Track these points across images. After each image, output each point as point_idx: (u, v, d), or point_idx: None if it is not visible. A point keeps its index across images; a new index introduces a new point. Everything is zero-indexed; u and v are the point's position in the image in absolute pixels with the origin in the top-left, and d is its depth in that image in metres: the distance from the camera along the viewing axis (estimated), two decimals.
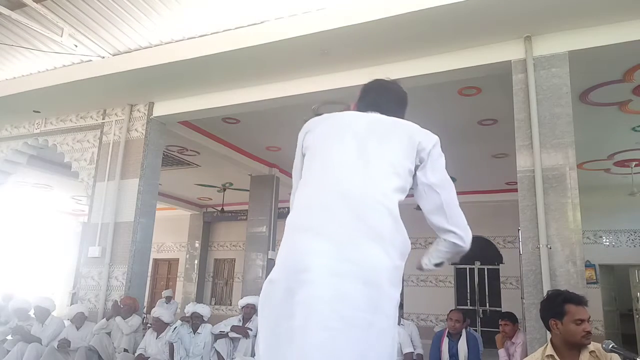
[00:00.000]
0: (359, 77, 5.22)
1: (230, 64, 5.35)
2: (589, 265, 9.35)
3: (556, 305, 2.60)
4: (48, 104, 6.79)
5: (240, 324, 5.62)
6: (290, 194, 1.79)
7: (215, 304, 13.96)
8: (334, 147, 1.58)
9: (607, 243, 10.28)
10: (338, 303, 1.34)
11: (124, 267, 6.07)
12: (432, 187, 1.59)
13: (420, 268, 1.69)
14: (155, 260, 14.73)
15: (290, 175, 11.06)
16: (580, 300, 2.57)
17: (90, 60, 5.92)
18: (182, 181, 11.18)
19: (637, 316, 9.98)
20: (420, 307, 11.43)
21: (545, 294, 3.90)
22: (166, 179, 10.13)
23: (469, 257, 11.72)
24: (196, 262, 14.29)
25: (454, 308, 5.76)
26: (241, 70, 5.50)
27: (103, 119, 6.83)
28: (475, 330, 8.96)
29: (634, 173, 8.58)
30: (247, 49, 5.00)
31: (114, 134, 6.63)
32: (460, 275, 11.76)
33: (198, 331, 5.48)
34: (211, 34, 5.22)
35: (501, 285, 11.16)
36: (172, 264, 15.11)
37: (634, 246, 10.07)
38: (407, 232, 1.52)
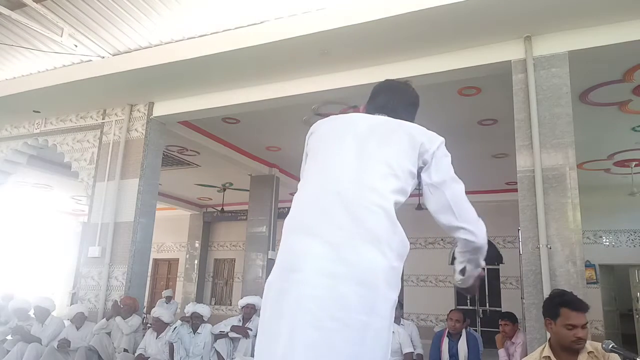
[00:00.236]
0: (359, 77, 5.23)
1: (230, 64, 5.35)
2: (589, 265, 9.35)
3: (553, 306, 2.62)
4: (48, 104, 6.79)
5: (240, 324, 5.62)
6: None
7: (215, 304, 13.96)
8: (333, 149, 1.58)
9: (607, 243, 10.28)
10: (331, 303, 1.34)
11: (124, 267, 6.07)
12: (436, 187, 1.57)
13: (456, 284, 1.71)
14: (155, 260, 14.73)
15: (290, 175, 11.10)
16: (577, 307, 2.55)
17: (90, 60, 5.92)
18: (182, 181, 11.18)
19: (637, 316, 9.98)
20: (420, 307, 11.43)
21: (545, 294, 3.91)
22: (166, 179, 10.13)
23: None
24: (196, 262, 14.29)
25: (453, 308, 5.76)
26: (241, 70, 5.50)
27: (103, 119, 6.83)
28: (475, 330, 8.96)
29: (634, 173, 8.58)
30: (247, 49, 5.00)
31: (114, 134, 6.63)
32: None
33: (198, 331, 5.48)
34: (211, 34, 5.22)
35: (501, 285, 11.16)
36: (172, 264, 15.11)
37: (634, 246, 10.07)
38: (407, 232, 1.51)
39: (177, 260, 14.97)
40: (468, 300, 11.39)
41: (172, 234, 14.73)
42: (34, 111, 7.03)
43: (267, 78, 5.65)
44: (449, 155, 1.64)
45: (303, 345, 1.31)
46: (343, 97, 5.80)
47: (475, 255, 1.59)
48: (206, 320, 5.61)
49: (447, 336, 4.92)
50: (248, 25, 5.00)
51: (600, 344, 2.48)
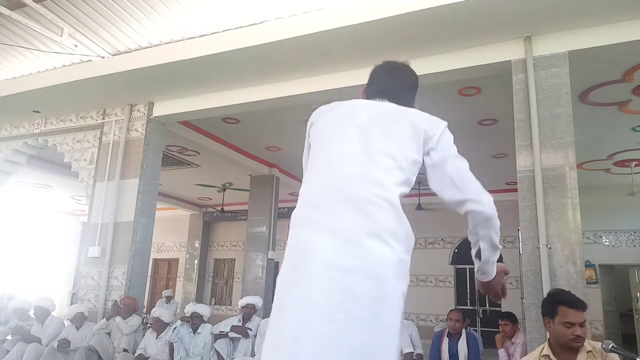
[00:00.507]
0: (359, 77, 5.22)
1: (230, 64, 5.35)
2: (588, 265, 9.35)
3: (551, 304, 2.63)
4: (48, 104, 6.79)
5: (240, 324, 5.62)
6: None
7: (215, 304, 13.96)
8: (336, 141, 1.57)
9: (607, 243, 10.28)
10: (340, 296, 1.34)
11: (124, 267, 6.07)
12: (437, 165, 1.56)
13: (479, 280, 1.69)
14: (155, 260, 14.72)
15: (290, 175, 11.09)
16: (575, 304, 2.56)
17: (90, 60, 5.92)
18: (182, 181, 11.18)
19: (637, 316, 9.97)
20: (420, 307, 11.43)
21: (544, 294, 3.91)
22: (166, 179, 10.13)
23: (469, 257, 11.73)
24: (196, 262, 14.29)
25: (453, 308, 5.76)
26: (241, 70, 5.50)
27: (103, 119, 6.83)
28: (475, 330, 8.96)
29: (634, 173, 8.58)
30: (247, 49, 5.00)
31: (114, 134, 6.63)
32: (460, 275, 11.76)
33: (198, 331, 5.48)
34: (211, 34, 5.22)
35: None
36: (172, 264, 15.11)
37: (634, 246, 10.06)
38: None
39: (177, 260, 14.97)
40: (468, 300, 11.40)
41: (172, 234, 14.73)
42: (34, 111, 7.03)
43: (267, 78, 5.65)
44: (452, 136, 1.62)
45: (312, 338, 1.31)
46: (343, 97, 5.78)
47: (487, 229, 1.55)
48: (206, 320, 5.61)
49: (447, 336, 4.92)
50: (248, 25, 5.00)
51: (599, 343, 2.48)
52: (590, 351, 2.51)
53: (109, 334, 5.56)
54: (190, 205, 14.01)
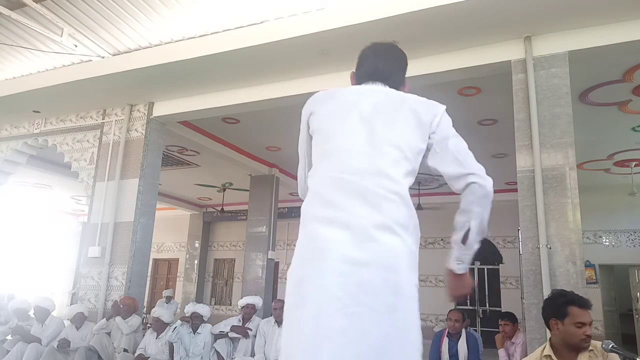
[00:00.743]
0: None
1: (230, 64, 5.35)
2: (588, 265, 9.35)
3: (559, 306, 2.59)
4: (48, 104, 6.79)
5: (240, 324, 5.62)
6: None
7: (215, 304, 13.95)
8: (341, 132, 1.56)
9: (607, 243, 10.28)
10: (357, 289, 1.36)
11: (124, 267, 6.07)
12: (438, 143, 1.57)
13: (454, 273, 1.57)
14: (155, 260, 14.72)
15: (290, 175, 11.09)
16: (584, 304, 2.55)
17: (90, 60, 5.92)
18: (182, 181, 11.17)
19: (637, 316, 9.97)
20: (420, 306, 11.41)
21: (545, 293, 3.91)
22: (166, 179, 10.13)
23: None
24: (196, 262, 14.29)
25: (453, 308, 5.76)
26: (241, 70, 5.50)
27: (103, 119, 6.83)
28: (475, 330, 8.96)
29: (634, 173, 8.58)
30: (247, 49, 5.00)
31: (114, 134, 6.63)
32: None
33: (198, 331, 5.48)
34: (211, 34, 5.22)
35: (501, 285, 11.16)
36: (172, 264, 15.11)
37: (634, 246, 10.06)
38: None
39: (177, 260, 14.97)
40: (468, 300, 11.40)
41: (172, 234, 14.73)
42: (34, 111, 7.03)
43: (267, 78, 5.65)
44: (451, 119, 1.64)
45: (331, 332, 1.32)
46: None
47: (483, 207, 1.55)
48: (206, 320, 5.61)
49: (447, 336, 4.92)
50: (248, 25, 5.00)
51: (600, 342, 2.48)
52: (591, 350, 2.50)
53: (109, 334, 5.55)
54: (190, 205, 14.00)
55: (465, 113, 6.47)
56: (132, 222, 6.17)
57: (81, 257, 6.66)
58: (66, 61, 6.12)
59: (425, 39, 4.67)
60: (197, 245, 14.42)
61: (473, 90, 5.84)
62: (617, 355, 2.45)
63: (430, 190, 10.75)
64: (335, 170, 1.50)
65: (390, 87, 1.68)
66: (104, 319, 5.65)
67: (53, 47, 5.84)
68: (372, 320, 1.35)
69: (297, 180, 1.81)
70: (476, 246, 1.56)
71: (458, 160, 1.56)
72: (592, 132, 6.96)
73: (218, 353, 5.43)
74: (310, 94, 1.72)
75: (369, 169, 1.48)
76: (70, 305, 6.34)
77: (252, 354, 5.41)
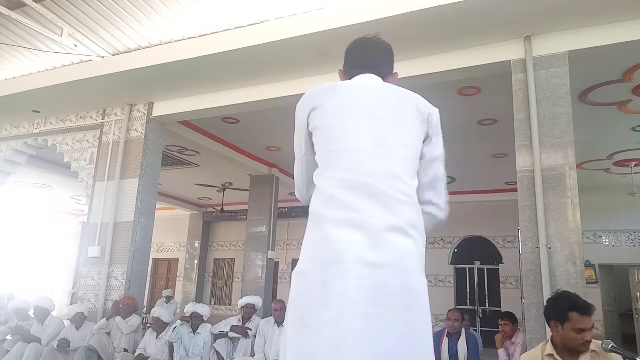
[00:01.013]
0: None
1: (230, 64, 5.35)
2: (588, 265, 9.35)
3: (562, 310, 2.58)
4: (48, 104, 6.79)
5: (240, 324, 5.63)
6: (290, 194, 1.76)
7: (215, 304, 13.96)
8: (351, 131, 1.54)
9: (607, 243, 10.28)
10: (374, 291, 1.37)
11: (124, 267, 6.07)
12: (434, 161, 1.62)
13: None
14: (155, 260, 14.72)
15: (290, 175, 11.11)
16: (586, 311, 2.54)
17: (90, 60, 5.92)
18: (182, 181, 11.17)
19: (637, 316, 9.97)
20: None
21: (545, 294, 3.91)
22: (166, 179, 10.13)
23: (469, 257, 11.77)
24: (196, 262, 14.29)
25: (453, 308, 5.76)
26: (241, 70, 5.50)
27: (103, 119, 6.83)
28: (475, 330, 8.96)
29: (634, 173, 8.58)
30: (247, 49, 5.00)
31: (114, 134, 6.63)
32: (460, 275, 11.77)
33: (198, 331, 5.49)
34: (211, 34, 5.22)
35: (501, 285, 11.16)
36: (172, 263, 15.11)
37: (634, 246, 10.07)
38: None
39: (177, 260, 14.97)
40: (468, 300, 11.40)
41: (172, 234, 14.73)
42: (34, 111, 7.03)
43: (267, 78, 5.65)
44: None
45: (353, 334, 1.33)
46: None
47: (431, 228, 1.62)
48: (206, 320, 5.61)
49: (447, 336, 4.92)
50: (248, 25, 5.00)
51: (600, 342, 2.48)
52: (594, 351, 2.50)
53: (109, 334, 5.56)
54: (190, 205, 14.00)
55: (465, 113, 6.47)
56: (132, 222, 6.18)
57: (81, 257, 6.66)
58: (66, 61, 6.12)
59: (425, 39, 4.67)
60: (197, 245, 14.42)
61: (473, 90, 5.84)
62: (617, 355, 2.45)
63: None
64: (347, 171, 1.49)
65: (381, 77, 1.70)
66: (104, 319, 5.66)
67: (53, 47, 5.84)
68: (389, 321, 1.36)
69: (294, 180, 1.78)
70: None
71: (433, 185, 1.62)
72: (592, 132, 6.96)
73: (218, 353, 5.43)
74: None
75: (381, 170, 1.48)
76: (70, 305, 6.34)
77: (252, 354, 5.41)
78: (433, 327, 9.97)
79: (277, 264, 12.35)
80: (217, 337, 5.54)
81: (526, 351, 4.10)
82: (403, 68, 4.96)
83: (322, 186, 1.52)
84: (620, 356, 2.45)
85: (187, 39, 5.39)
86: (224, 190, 11.84)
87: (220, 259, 14.59)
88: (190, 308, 5.65)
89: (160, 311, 5.72)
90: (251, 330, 5.54)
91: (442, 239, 11.85)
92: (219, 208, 12.46)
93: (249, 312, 5.70)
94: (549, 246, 4.10)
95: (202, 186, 11.70)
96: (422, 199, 1.59)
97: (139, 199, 6.25)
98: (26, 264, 14.68)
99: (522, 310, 4.80)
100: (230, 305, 13.71)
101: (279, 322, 5.41)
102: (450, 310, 5.10)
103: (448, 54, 4.88)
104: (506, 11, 4.22)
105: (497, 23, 4.39)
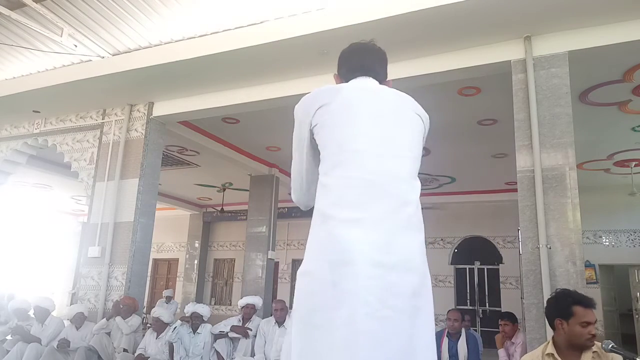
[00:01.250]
0: None
1: (230, 64, 5.35)
2: (588, 265, 9.34)
3: (564, 306, 2.59)
4: (48, 104, 6.79)
5: (240, 324, 5.63)
6: (289, 193, 1.76)
7: (215, 304, 13.96)
8: (358, 132, 1.54)
9: (607, 243, 10.28)
10: (384, 292, 1.38)
11: (124, 267, 6.07)
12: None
13: None
14: (155, 260, 14.72)
15: (290, 175, 11.16)
16: (589, 303, 2.56)
17: (90, 60, 5.92)
18: (182, 181, 11.17)
19: (637, 316, 9.97)
20: None
21: (545, 294, 3.91)
22: (166, 179, 10.13)
23: (469, 257, 11.77)
24: (196, 262, 14.29)
25: (453, 308, 5.76)
26: (241, 70, 5.50)
27: (103, 119, 6.83)
28: (475, 330, 8.96)
29: (634, 173, 8.58)
30: (247, 49, 5.00)
31: (114, 134, 6.63)
32: (460, 275, 11.77)
33: (198, 331, 5.49)
34: (211, 34, 5.22)
35: (501, 285, 11.16)
36: (171, 263, 15.11)
37: (634, 246, 10.07)
38: None
39: (177, 260, 14.97)
40: (468, 300, 11.40)
41: (172, 234, 14.73)
42: (34, 111, 7.03)
43: (267, 78, 5.65)
44: None
45: (365, 336, 1.34)
46: None
47: None
48: (206, 320, 5.61)
49: (447, 336, 4.93)
50: (248, 25, 4.99)
51: (600, 343, 2.48)
52: (595, 351, 2.50)
53: (108, 334, 5.56)
54: (190, 205, 14.00)
55: (465, 113, 6.47)
56: (132, 222, 6.17)
57: (81, 257, 6.66)
58: (66, 61, 6.12)
59: (425, 39, 4.67)
60: (197, 245, 14.42)
61: (473, 90, 5.84)
62: (617, 355, 2.45)
63: (430, 190, 10.74)
64: (356, 171, 1.50)
65: (378, 81, 1.73)
66: (104, 319, 5.65)
67: (53, 47, 5.84)
68: (399, 322, 1.38)
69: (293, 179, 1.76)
70: None
71: None
72: (592, 132, 6.96)
73: (218, 353, 5.43)
74: None
75: (388, 171, 1.50)
76: (70, 305, 6.34)
77: (252, 354, 5.41)
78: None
79: (277, 264, 12.35)
80: (217, 337, 5.54)
81: (526, 351, 4.10)
82: (403, 68, 5.01)
83: (330, 185, 1.51)
84: (620, 356, 2.45)
85: (187, 39, 5.39)
86: (224, 190, 11.84)
87: (220, 259, 14.59)
88: (190, 308, 5.65)
89: (160, 311, 5.72)
90: (251, 330, 5.54)
91: (442, 239, 11.85)
92: (219, 208, 12.46)
93: (249, 312, 5.70)
94: (548, 246, 4.10)
95: (202, 186, 11.70)
96: None
97: (139, 199, 6.25)
98: (26, 264, 14.67)
99: (522, 310, 4.80)
100: (230, 305, 13.71)
101: (279, 322, 5.41)
102: (450, 310, 5.10)
103: (448, 54, 4.88)
104: (506, 11, 4.22)
105: (497, 23, 4.39)
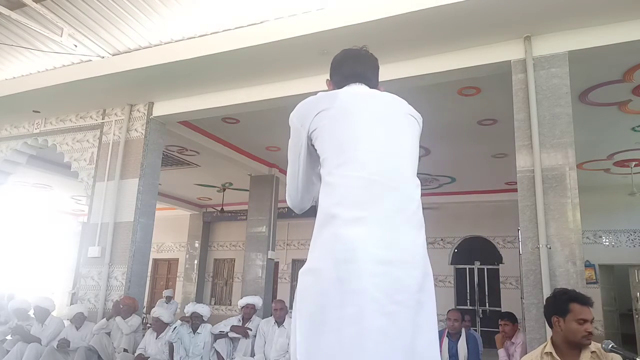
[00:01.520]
0: None
1: (230, 64, 5.35)
2: (588, 265, 9.35)
3: (561, 303, 2.62)
4: (48, 104, 6.79)
5: (240, 324, 5.63)
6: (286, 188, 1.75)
7: (215, 304, 13.96)
8: (359, 132, 1.56)
9: (607, 243, 10.28)
10: (390, 288, 1.40)
11: (124, 267, 6.07)
12: None
13: None
14: (155, 260, 14.72)
15: None
16: (585, 301, 2.59)
17: (90, 60, 5.92)
18: (182, 181, 11.17)
19: (637, 316, 9.97)
20: None
21: (545, 293, 3.91)
22: (166, 179, 10.13)
23: (468, 257, 11.77)
24: (196, 262, 14.29)
25: (453, 308, 5.77)
26: (241, 70, 5.50)
27: (103, 119, 6.83)
28: (475, 330, 8.96)
29: (634, 173, 8.58)
30: (247, 49, 5.00)
31: (114, 134, 6.63)
32: (460, 275, 11.77)
33: (198, 331, 5.49)
34: (211, 34, 5.22)
35: (501, 285, 11.17)
36: (171, 263, 15.11)
37: (634, 246, 10.07)
38: None
39: (177, 260, 14.97)
40: (468, 300, 11.40)
41: (172, 234, 14.73)
42: (33, 111, 7.03)
43: (267, 78, 5.65)
44: None
45: (374, 332, 1.36)
46: None
47: None
48: (206, 320, 5.61)
49: (447, 336, 4.93)
50: (248, 25, 4.99)
51: (600, 344, 2.49)
52: (594, 352, 2.51)
53: (108, 334, 5.56)
54: (190, 205, 14.00)
55: (465, 113, 6.47)
56: (132, 222, 6.17)
57: (81, 257, 6.66)
58: (66, 61, 6.12)
59: (425, 39, 4.67)
60: (197, 245, 14.42)
61: (473, 90, 5.84)
62: (617, 355, 2.45)
63: (430, 190, 10.75)
64: (360, 170, 1.51)
65: (370, 87, 1.76)
66: (104, 319, 5.65)
67: (53, 47, 5.84)
68: (405, 317, 1.41)
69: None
70: None
71: None
72: (592, 132, 6.96)
73: (218, 353, 5.43)
74: (311, 94, 1.71)
75: (391, 170, 1.53)
76: (70, 305, 6.34)
77: (252, 354, 5.41)
78: None
79: (277, 264, 12.34)
80: (217, 337, 5.54)
81: (526, 351, 4.11)
82: (403, 68, 5.01)
83: (334, 184, 1.52)
84: (620, 356, 2.45)
85: (187, 39, 5.38)
86: (224, 190, 11.84)
87: (220, 259, 14.59)
88: (190, 308, 5.65)
89: (160, 311, 5.72)
90: (251, 330, 5.54)
91: (442, 239, 11.85)
92: (219, 208, 12.46)
93: (248, 312, 5.70)
94: (548, 246, 4.10)
95: (202, 186, 11.70)
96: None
97: (139, 199, 6.25)
98: (26, 264, 14.67)
99: (522, 310, 4.79)
100: (230, 305, 13.71)
101: (279, 322, 5.41)
102: (450, 310, 5.10)
103: (448, 54, 4.88)
104: (506, 11, 4.22)
105: (497, 23, 4.39)
